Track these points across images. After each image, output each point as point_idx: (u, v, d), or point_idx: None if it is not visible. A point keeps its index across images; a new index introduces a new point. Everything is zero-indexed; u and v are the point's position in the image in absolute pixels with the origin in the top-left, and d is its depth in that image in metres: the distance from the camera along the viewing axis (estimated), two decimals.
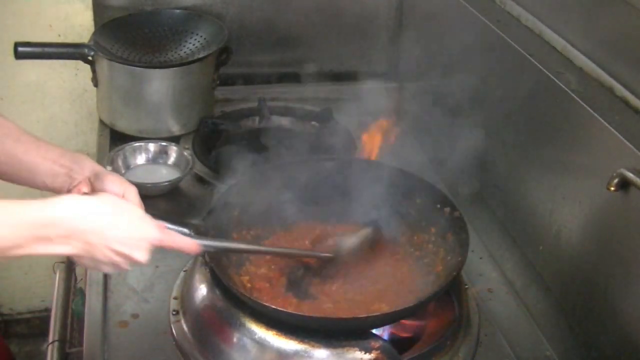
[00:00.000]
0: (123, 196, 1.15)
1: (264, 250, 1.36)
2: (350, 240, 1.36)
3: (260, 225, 1.42)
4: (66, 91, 2.19)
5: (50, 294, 1.77)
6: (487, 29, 1.57)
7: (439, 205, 1.38)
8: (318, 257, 1.33)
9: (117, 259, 1.04)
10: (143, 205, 1.15)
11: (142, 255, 1.05)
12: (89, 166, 1.18)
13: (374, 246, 1.38)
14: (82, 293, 1.67)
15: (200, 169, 1.74)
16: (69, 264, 1.77)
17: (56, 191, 1.18)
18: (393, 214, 1.44)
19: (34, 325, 2.54)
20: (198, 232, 1.23)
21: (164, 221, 1.19)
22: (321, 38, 2.15)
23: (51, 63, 2.10)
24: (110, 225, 1.02)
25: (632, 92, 1.24)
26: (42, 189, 1.19)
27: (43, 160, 1.16)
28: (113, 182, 1.16)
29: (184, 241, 1.13)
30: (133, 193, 1.15)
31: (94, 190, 1.15)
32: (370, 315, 1.20)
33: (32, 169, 1.17)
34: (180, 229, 1.22)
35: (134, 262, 1.05)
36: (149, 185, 1.65)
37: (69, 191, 1.16)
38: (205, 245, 1.17)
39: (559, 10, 1.45)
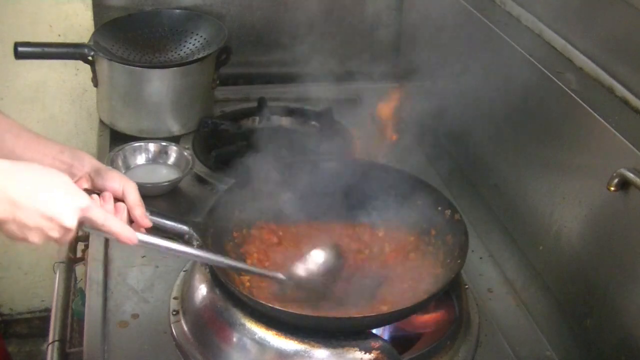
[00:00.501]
0: (122, 192, 1.14)
1: (211, 260, 1.21)
2: (305, 266, 1.31)
3: (260, 225, 1.42)
4: (66, 91, 2.19)
5: (50, 294, 1.77)
6: (487, 29, 1.57)
7: (439, 208, 1.38)
8: (270, 277, 1.28)
9: (46, 223, 0.99)
10: (143, 203, 1.15)
11: (70, 219, 1.00)
12: (89, 162, 1.18)
13: (336, 264, 1.34)
14: (82, 293, 1.67)
15: (200, 169, 1.74)
16: (69, 264, 1.76)
17: None
18: (394, 216, 1.44)
19: (34, 325, 2.54)
20: (198, 231, 1.23)
21: (163, 218, 1.19)
22: (321, 38, 2.15)
23: (51, 63, 2.11)
24: (39, 187, 0.99)
25: (632, 92, 1.24)
26: None
27: (43, 157, 1.16)
28: (113, 178, 1.15)
29: (116, 225, 1.07)
30: (132, 189, 1.15)
31: (94, 186, 1.15)
32: (369, 315, 1.20)
33: None
34: (180, 226, 1.22)
35: (63, 229, 1.01)
36: (149, 185, 1.65)
37: None
38: (143, 242, 1.10)
39: (559, 10, 1.45)
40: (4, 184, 0.97)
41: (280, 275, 1.28)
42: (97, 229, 1.07)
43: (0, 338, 1.68)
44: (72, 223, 1.01)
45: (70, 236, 1.03)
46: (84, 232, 1.19)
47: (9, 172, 0.98)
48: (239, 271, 1.27)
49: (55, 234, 1.01)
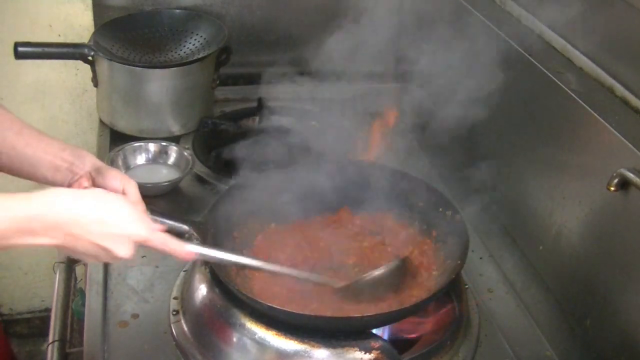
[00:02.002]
0: (123, 191, 1.15)
1: (265, 268, 1.26)
2: (369, 274, 1.28)
3: (260, 225, 1.42)
4: (66, 91, 2.19)
5: (50, 294, 1.77)
6: (487, 29, 1.57)
7: (441, 209, 1.38)
8: (324, 284, 1.28)
9: (99, 252, 1.03)
10: (142, 201, 1.16)
11: (124, 251, 1.04)
12: (90, 161, 1.18)
13: (398, 279, 1.30)
14: (82, 293, 1.67)
15: (200, 169, 1.74)
16: (69, 264, 1.76)
17: (57, 185, 1.18)
18: (395, 217, 1.44)
19: (34, 325, 2.54)
20: (198, 230, 1.23)
21: (163, 218, 1.19)
22: (321, 38, 2.15)
23: (51, 63, 2.10)
24: (93, 219, 1.02)
25: (632, 92, 1.24)
26: (43, 182, 1.19)
27: (44, 154, 1.17)
28: (113, 176, 1.16)
29: (175, 245, 1.11)
30: (133, 188, 1.16)
31: (95, 184, 1.15)
32: (369, 315, 1.20)
33: (34, 163, 1.17)
34: (180, 225, 1.22)
35: (116, 258, 1.05)
36: (149, 185, 1.64)
37: (69, 185, 1.16)
38: (198, 254, 1.15)
39: (559, 10, 1.45)
40: (59, 216, 1.00)
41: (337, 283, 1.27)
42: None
43: (4, 338, 1.68)
44: (126, 254, 1.05)
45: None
46: None
47: (68, 202, 1.01)
48: (295, 277, 1.27)
49: (110, 260, 1.06)
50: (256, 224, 1.42)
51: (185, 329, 1.29)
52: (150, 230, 1.08)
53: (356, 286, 1.26)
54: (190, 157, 1.72)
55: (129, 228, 1.05)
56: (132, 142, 1.76)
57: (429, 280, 1.32)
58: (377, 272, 1.27)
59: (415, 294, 1.29)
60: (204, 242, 1.23)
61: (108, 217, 1.03)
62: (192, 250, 1.14)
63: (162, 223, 1.18)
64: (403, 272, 1.30)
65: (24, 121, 1.20)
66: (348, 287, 1.26)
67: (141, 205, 1.16)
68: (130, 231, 1.05)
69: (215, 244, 1.26)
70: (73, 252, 1.04)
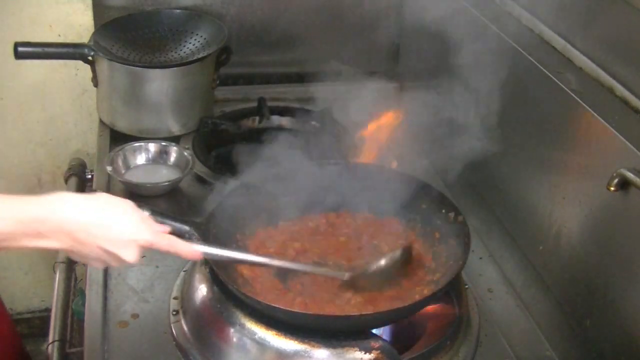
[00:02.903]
0: None
1: (272, 264, 1.28)
2: (374, 264, 1.30)
3: (262, 226, 1.42)
4: (66, 91, 2.19)
5: (50, 294, 1.77)
6: (487, 28, 1.57)
7: (443, 210, 1.38)
8: (331, 276, 1.30)
9: (105, 256, 1.05)
10: None
11: (130, 255, 1.06)
12: None
13: (402, 267, 1.32)
14: (82, 293, 1.67)
15: (200, 169, 1.74)
16: (69, 264, 1.76)
17: None
18: (398, 219, 1.44)
19: (34, 325, 2.54)
20: (198, 230, 1.23)
21: (164, 218, 1.20)
22: (321, 38, 2.15)
23: (51, 63, 2.10)
24: (99, 224, 1.03)
25: (632, 92, 1.24)
26: None
27: None
28: None
29: (181, 246, 1.12)
30: None
31: None
32: (369, 314, 1.20)
33: None
34: (181, 226, 1.22)
35: (122, 261, 1.06)
36: (149, 185, 1.64)
37: None
38: (205, 253, 1.17)
39: (559, 10, 1.45)
40: (65, 220, 1.01)
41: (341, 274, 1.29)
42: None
43: (17, 336, 1.67)
44: (132, 258, 1.06)
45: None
46: None
47: (73, 206, 1.02)
48: (304, 272, 1.30)
49: (116, 264, 1.07)
50: (257, 225, 1.42)
51: (185, 329, 1.29)
52: (155, 233, 1.09)
53: (363, 277, 1.28)
54: (190, 157, 1.72)
55: (134, 232, 1.06)
56: (132, 142, 1.76)
57: (430, 281, 1.32)
58: (382, 262, 1.29)
59: (416, 294, 1.29)
60: (206, 242, 1.23)
61: (113, 222, 1.04)
62: (200, 250, 1.15)
63: (164, 224, 1.18)
64: (407, 260, 1.32)
65: None
66: (355, 278, 1.28)
67: None
68: (135, 235, 1.06)
69: (218, 246, 1.25)
70: (80, 256, 1.05)
